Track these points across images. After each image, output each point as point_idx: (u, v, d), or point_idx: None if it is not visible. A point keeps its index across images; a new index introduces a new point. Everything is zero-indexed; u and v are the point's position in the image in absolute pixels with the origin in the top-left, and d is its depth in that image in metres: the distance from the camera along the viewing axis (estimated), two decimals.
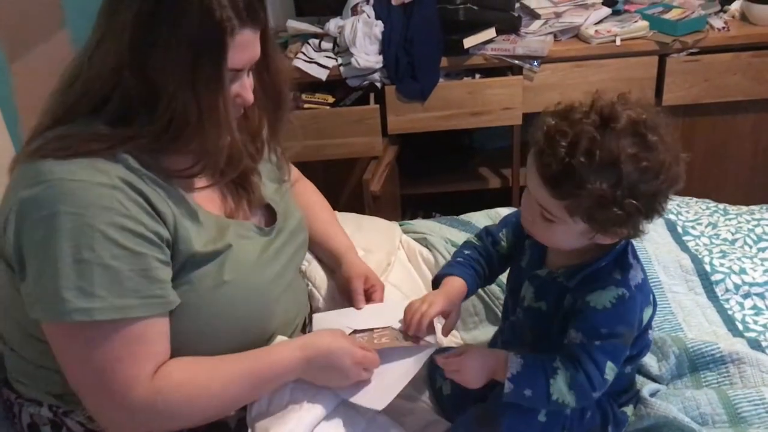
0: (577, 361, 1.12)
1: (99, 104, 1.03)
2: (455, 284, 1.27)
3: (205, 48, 0.99)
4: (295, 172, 1.46)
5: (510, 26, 2.53)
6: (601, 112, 1.06)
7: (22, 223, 1.00)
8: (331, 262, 1.47)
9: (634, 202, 1.04)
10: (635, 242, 1.14)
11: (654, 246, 1.68)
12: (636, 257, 1.19)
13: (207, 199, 1.16)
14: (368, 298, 1.38)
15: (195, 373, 1.08)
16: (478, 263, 1.32)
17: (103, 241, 0.98)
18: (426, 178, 2.88)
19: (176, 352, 1.08)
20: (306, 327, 1.35)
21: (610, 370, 1.13)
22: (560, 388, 1.11)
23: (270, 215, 1.27)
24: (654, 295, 1.22)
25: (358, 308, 1.36)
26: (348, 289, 1.39)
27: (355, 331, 1.27)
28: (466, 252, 1.34)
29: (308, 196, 1.52)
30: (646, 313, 1.18)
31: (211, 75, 1.00)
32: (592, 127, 1.05)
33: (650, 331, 1.25)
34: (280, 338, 1.20)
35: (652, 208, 1.07)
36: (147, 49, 0.99)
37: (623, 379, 1.26)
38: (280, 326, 1.22)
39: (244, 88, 1.08)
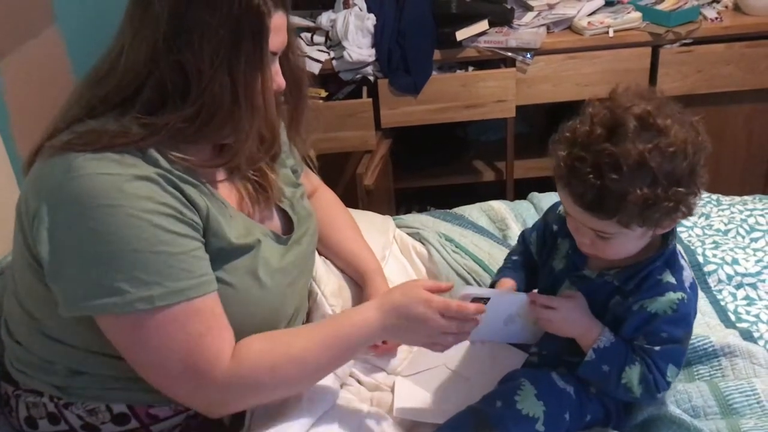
0: (647, 364, 1.16)
1: (131, 95, 1.04)
2: (506, 284, 1.32)
3: (245, 31, 1.00)
4: (315, 180, 1.46)
5: (503, 18, 2.52)
6: (604, 123, 1.06)
7: (56, 220, 0.99)
8: (356, 281, 1.47)
9: (679, 189, 1.05)
10: None
11: None
12: (683, 256, 1.21)
13: (227, 197, 1.16)
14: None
15: (274, 342, 1.08)
16: (523, 267, 1.36)
17: (150, 228, 0.98)
18: (420, 171, 2.87)
19: None
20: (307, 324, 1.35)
21: (672, 373, 1.16)
22: (631, 377, 1.15)
23: (285, 221, 1.27)
24: None
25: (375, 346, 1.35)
26: None
27: None
28: (514, 257, 1.39)
29: (332, 209, 1.51)
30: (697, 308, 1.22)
31: (253, 57, 1.02)
32: (604, 141, 1.04)
33: None
34: None
35: (694, 183, 1.08)
36: (183, 35, 1.00)
37: None
38: (284, 327, 1.22)
39: (277, 73, 1.10)
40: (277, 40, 1.06)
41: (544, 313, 1.20)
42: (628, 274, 1.17)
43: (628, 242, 1.13)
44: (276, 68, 1.10)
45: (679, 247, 1.22)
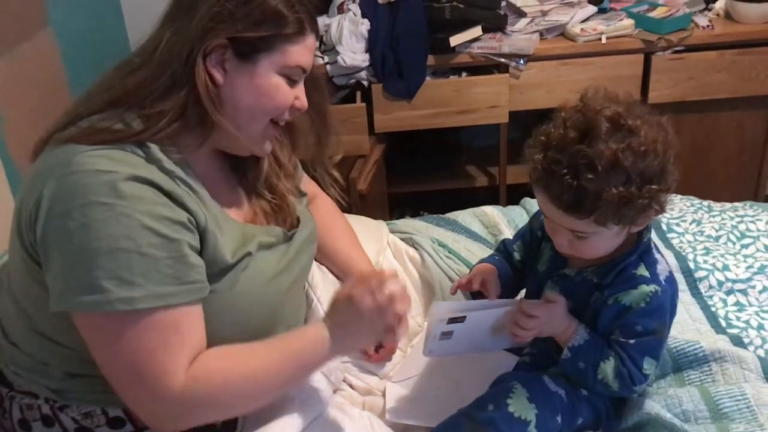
0: (622, 358, 1.18)
1: (162, 92, 1.06)
2: (485, 265, 1.35)
3: (277, 42, 1.08)
4: (313, 187, 1.47)
5: (496, 24, 2.53)
6: (577, 126, 1.10)
7: (51, 213, 0.99)
8: None
9: (651, 186, 1.08)
10: None
11: None
12: (658, 251, 1.24)
13: (232, 203, 1.18)
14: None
15: (230, 358, 1.06)
16: (506, 266, 1.39)
17: (141, 230, 0.98)
18: (413, 176, 2.88)
19: None
20: None
21: (649, 365, 1.19)
22: (607, 372, 1.19)
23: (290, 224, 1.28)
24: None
25: (367, 353, 1.37)
26: None
27: None
28: (497, 257, 1.41)
29: (330, 216, 1.52)
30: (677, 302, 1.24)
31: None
32: (578, 143, 1.08)
33: None
34: None
35: (666, 180, 1.11)
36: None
37: None
38: (282, 333, 1.22)
39: (303, 91, 1.15)
40: (308, 58, 1.12)
41: (526, 323, 1.20)
42: (605, 270, 1.20)
43: (604, 240, 1.16)
44: (301, 88, 1.14)
45: (654, 241, 1.25)
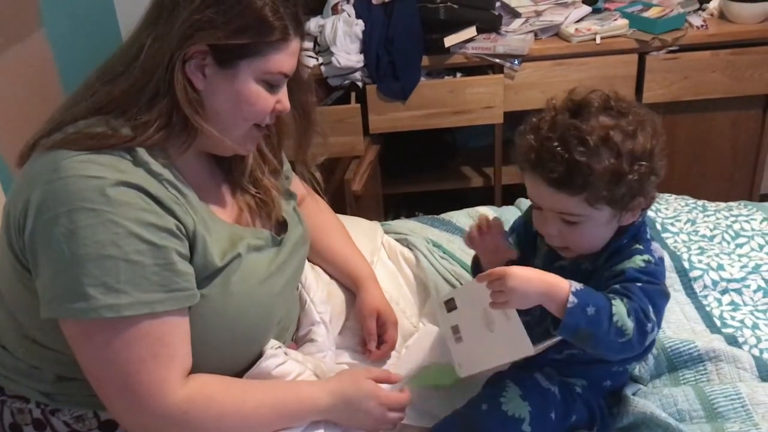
0: (629, 297, 1.11)
1: (148, 101, 1.05)
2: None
3: (258, 49, 1.07)
4: (304, 187, 1.47)
5: (490, 25, 2.53)
6: (567, 108, 1.13)
7: (38, 220, 0.99)
8: (349, 287, 1.47)
9: (642, 162, 1.10)
10: None
11: None
12: (651, 236, 1.24)
13: (224, 213, 1.18)
14: (380, 337, 1.40)
15: (228, 391, 1.08)
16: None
17: (127, 237, 0.98)
18: (408, 177, 2.88)
19: None
20: (297, 332, 1.35)
21: (652, 314, 1.11)
22: (621, 311, 1.08)
23: (277, 225, 1.28)
24: None
25: (368, 349, 1.38)
26: (362, 326, 1.41)
27: None
28: None
29: (323, 215, 1.52)
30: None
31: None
32: (570, 119, 1.11)
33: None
34: (272, 342, 1.20)
35: (655, 165, 1.12)
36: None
37: (623, 377, 1.30)
38: (275, 336, 1.23)
39: (285, 94, 1.14)
40: (290, 63, 1.11)
41: (499, 286, 1.09)
42: (597, 255, 1.19)
43: (595, 230, 1.15)
44: (283, 91, 1.13)
45: (649, 230, 1.24)
